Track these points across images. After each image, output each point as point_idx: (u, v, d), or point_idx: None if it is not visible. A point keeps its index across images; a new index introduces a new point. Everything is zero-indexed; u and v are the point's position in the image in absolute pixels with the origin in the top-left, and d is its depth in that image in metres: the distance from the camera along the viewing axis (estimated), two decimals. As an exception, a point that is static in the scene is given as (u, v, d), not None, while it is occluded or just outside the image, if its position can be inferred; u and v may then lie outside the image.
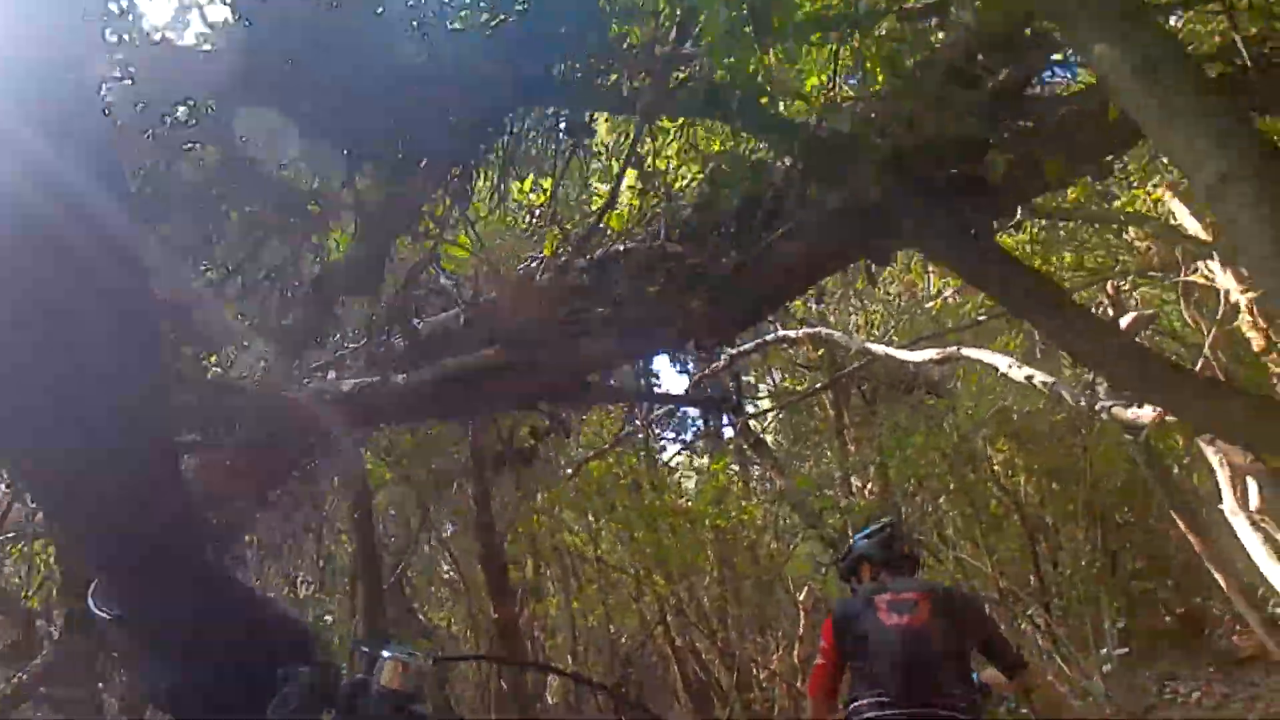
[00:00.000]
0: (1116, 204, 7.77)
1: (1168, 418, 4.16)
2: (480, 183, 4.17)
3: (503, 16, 3.81)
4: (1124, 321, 5.85)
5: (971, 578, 11.86)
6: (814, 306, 10.98)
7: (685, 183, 4.27)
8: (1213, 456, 5.68)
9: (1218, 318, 6.58)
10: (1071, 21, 1.92)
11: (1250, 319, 6.75)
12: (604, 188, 4.47)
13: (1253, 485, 5.54)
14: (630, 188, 4.15)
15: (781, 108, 3.33)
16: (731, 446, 15.91)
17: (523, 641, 6.82)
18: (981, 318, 7.81)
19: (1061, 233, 8.26)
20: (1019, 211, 3.66)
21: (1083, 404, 4.76)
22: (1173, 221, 7.43)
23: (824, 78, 3.07)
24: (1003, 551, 12.24)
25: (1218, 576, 5.68)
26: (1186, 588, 12.37)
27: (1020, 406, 10.85)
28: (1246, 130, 1.68)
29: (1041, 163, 2.47)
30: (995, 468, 12.52)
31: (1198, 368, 5.17)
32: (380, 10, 3.37)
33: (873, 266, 3.75)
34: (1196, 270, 7.31)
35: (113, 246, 1.08)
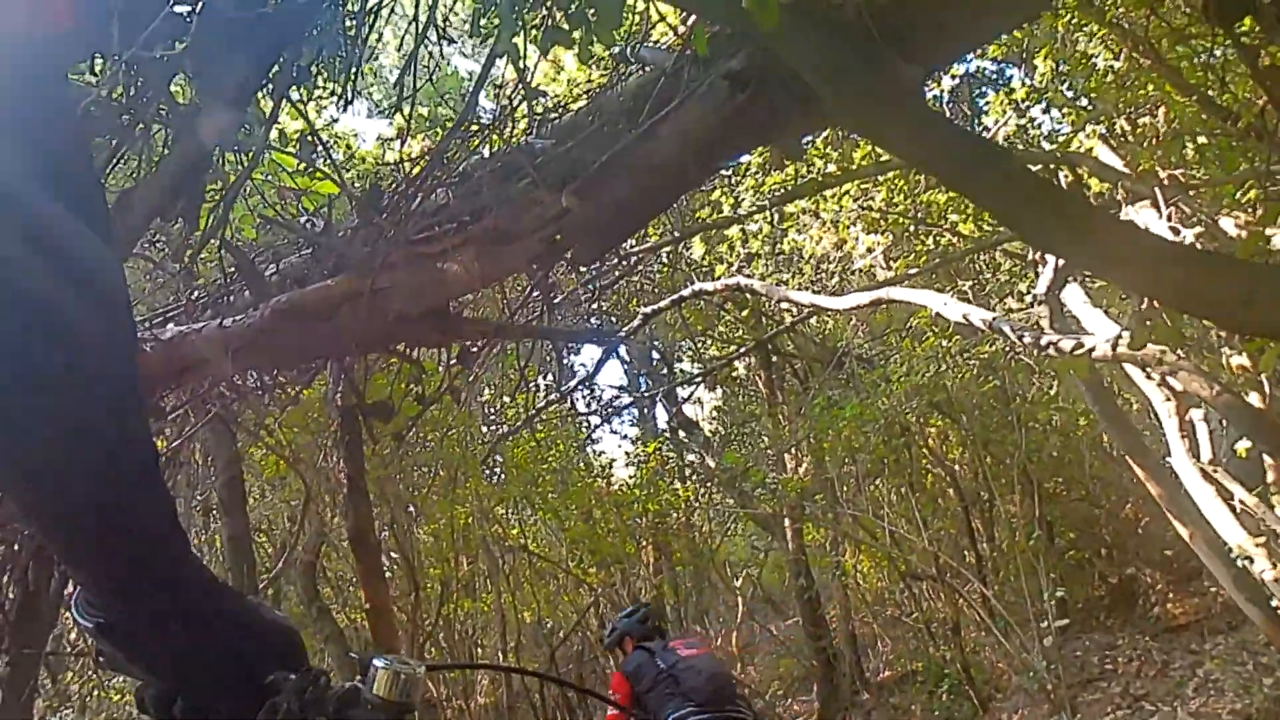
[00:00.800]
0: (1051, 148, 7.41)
1: (1119, 348, 3.68)
2: (321, 80, 3.45)
3: None
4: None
5: (908, 554, 11.55)
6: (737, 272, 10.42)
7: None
8: (1161, 404, 5.25)
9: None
10: None
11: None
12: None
13: (1203, 433, 5.14)
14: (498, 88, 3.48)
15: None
16: (665, 430, 15.44)
17: (394, 629, 6.10)
18: (913, 272, 7.34)
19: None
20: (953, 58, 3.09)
21: (1026, 340, 4.26)
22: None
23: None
24: (938, 527, 11.97)
25: (1180, 528, 5.27)
26: (1118, 557, 12.26)
27: (952, 376, 10.55)
28: None
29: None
30: (929, 442, 12.23)
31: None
32: None
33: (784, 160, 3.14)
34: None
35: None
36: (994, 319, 4.50)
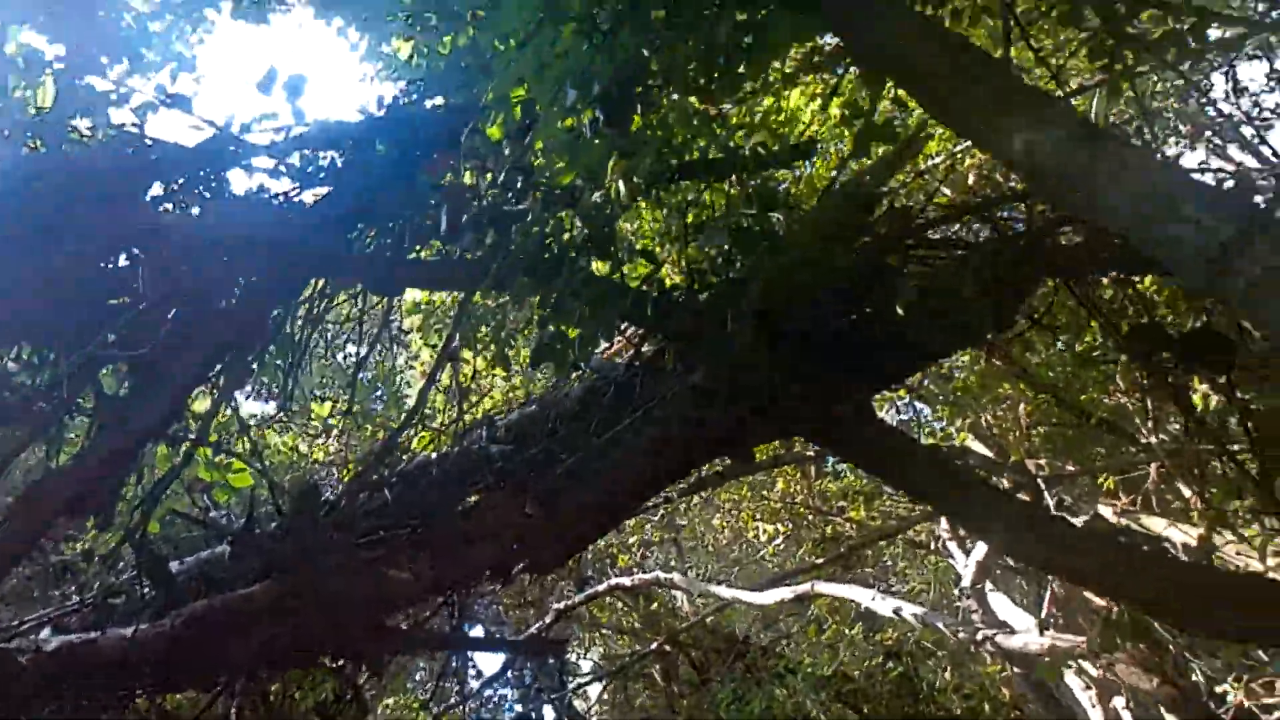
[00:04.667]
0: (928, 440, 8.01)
1: (1057, 643, 3.77)
2: (263, 376, 3.43)
3: (295, 185, 3.37)
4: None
5: None
6: (640, 561, 10.34)
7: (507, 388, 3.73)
8: (1081, 691, 5.29)
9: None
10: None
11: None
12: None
13: (1127, 720, 5.15)
14: (444, 391, 3.55)
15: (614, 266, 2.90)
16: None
17: None
18: (819, 561, 7.45)
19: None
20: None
21: (961, 635, 4.29)
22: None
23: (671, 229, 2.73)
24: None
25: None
26: None
27: (857, 665, 10.40)
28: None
29: (937, 314, 2.13)
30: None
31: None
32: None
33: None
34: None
35: None
36: (927, 614, 4.55)
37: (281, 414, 3.86)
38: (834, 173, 2.78)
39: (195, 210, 3.60)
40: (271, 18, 4.91)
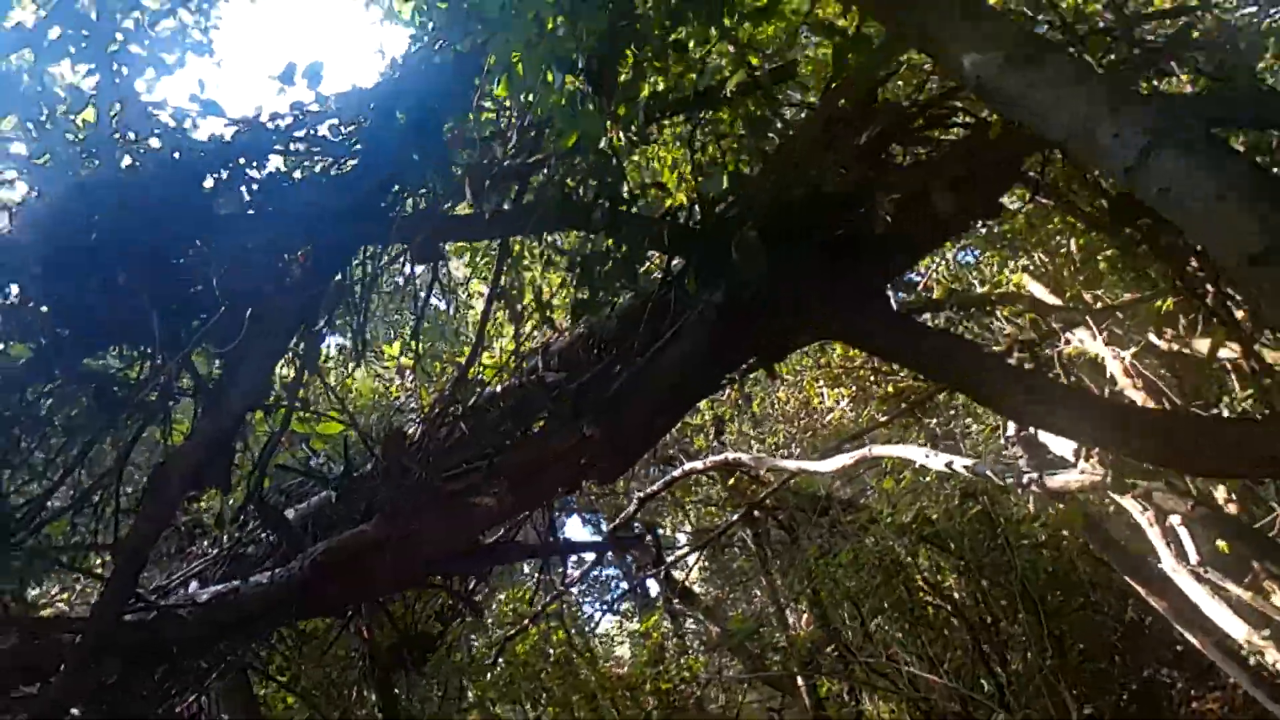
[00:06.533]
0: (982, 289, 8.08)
1: (1095, 479, 4.03)
2: (334, 340, 3.80)
3: (330, 160, 3.62)
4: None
5: (926, 694, 11.35)
6: (716, 437, 10.79)
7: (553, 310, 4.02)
8: (1140, 515, 5.55)
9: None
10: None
11: (1130, 379, 6.93)
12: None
13: (1186, 538, 5.42)
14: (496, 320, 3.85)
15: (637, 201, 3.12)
16: (660, 602, 15.26)
17: None
18: (882, 418, 7.73)
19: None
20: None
21: (1009, 480, 4.57)
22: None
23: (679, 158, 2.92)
24: (952, 660, 11.83)
25: (1190, 637, 5.45)
26: (1132, 661, 12.18)
27: (936, 508, 10.78)
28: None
29: (929, 206, 2.31)
30: (925, 576, 12.29)
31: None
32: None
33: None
34: (1069, 343, 7.56)
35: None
36: (975, 465, 4.83)
37: (357, 364, 4.25)
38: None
39: (244, 197, 3.89)
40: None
